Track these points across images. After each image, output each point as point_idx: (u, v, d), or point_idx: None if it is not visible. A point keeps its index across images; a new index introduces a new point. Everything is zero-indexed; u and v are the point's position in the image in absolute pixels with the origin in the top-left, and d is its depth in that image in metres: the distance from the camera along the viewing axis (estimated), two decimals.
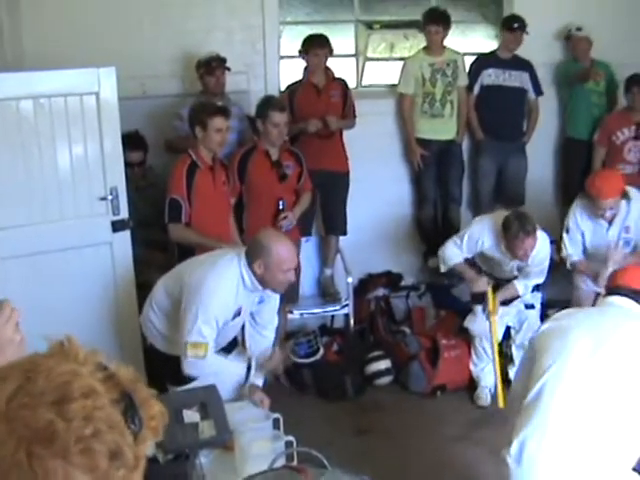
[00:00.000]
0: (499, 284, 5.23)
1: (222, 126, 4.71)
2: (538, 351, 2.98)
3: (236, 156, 5.21)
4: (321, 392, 5.38)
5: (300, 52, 5.71)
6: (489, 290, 5.13)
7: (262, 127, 5.13)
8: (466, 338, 5.40)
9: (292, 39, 6.11)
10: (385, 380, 5.51)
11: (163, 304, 3.98)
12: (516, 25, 6.11)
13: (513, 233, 4.77)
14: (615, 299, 3.10)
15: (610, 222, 5.15)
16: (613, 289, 3.17)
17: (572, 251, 5.29)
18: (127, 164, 4.79)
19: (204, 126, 4.65)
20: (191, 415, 3.19)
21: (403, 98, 6.14)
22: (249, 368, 3.87)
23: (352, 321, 5.74)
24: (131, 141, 5.14)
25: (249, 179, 5.18)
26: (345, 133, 5.84)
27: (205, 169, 4.73)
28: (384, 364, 5.52)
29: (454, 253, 5.16)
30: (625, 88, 6.14)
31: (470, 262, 5.27)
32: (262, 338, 4.15)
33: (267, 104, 5.17)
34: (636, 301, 3.06)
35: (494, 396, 5.15)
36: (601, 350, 2.81)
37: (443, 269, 5.30)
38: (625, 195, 5.07)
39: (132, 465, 1.00)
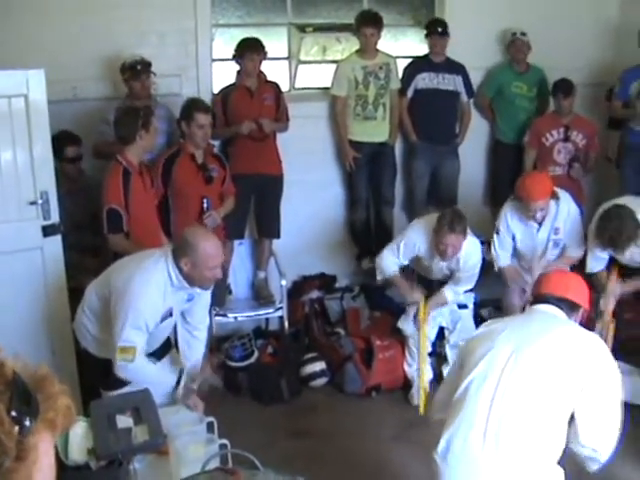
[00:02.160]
0: (431, 289, 5.29)
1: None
2: (467, 354, 3.05)
3: (160, 159, 5.19)
4: (257, 395, 5.38)
5: (234, 56, 5.70)
6: (422, 301, 5.20)
7: (187, 129, 5.13)
8: (400, 338, 5.44)
9: (225, 42, 6.11)
10: (320, 382, 5.54)
11: (95, 308, 3.94)
12: (440, 29, 6.20)
13: (441, 225, 4.83)
14: (541, 307, 3.14)
15: (540, 223, 5.25)
16: (538, 297, 3.21)
17: (501, 253, 5.37)
18: (64, 159, 4.72)
19: (147, 129, 4.63)
20: (124, 420, 3.15)
21: (336, 100, 6.17)
22: (179, 380, 3.87)
23: (286, 323, 5.76)
24: (66, 136, 5.12)
25: (175, 182, 5.16)
26: (279, 136, 5.85)
27: (136, 174, 4.69)
28: (319, 366, 5.55)
29: (391, 262, 5.20)
30: (552, 92, 6.26)
31: (405, 267, 5.33)
32: (194, 339, 4.13)
33: (191, 106, 5.16)
34: (560, 308, 3.10)
35: None
36: (524, 353, 2.86)
37: (379, 278, 5.34)
38: (554, 196, 5.18)
39: (15, 455, 1.00)
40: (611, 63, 6.82)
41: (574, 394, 2.79)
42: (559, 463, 2.88)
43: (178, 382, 3.86)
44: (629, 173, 6.26)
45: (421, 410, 4.95)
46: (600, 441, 2.81)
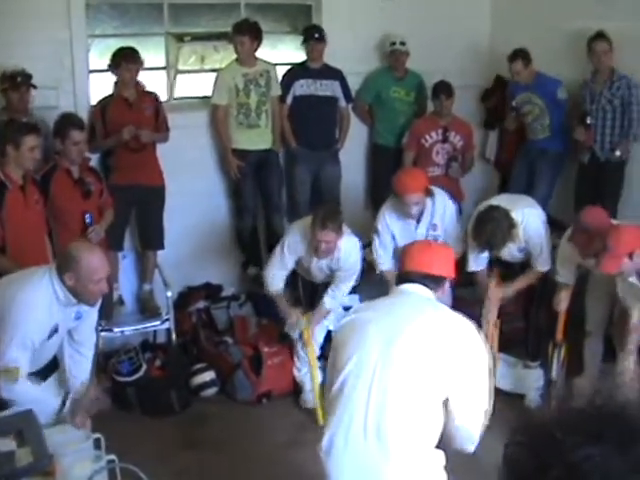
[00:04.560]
0: (317, 295, 5.34)
1: (35, 144, 4.62)
2: (338, 347, 3.04)
3: (36, 176, 5.08)
4: (147, 409, 5.31)
5: (110, 66, 5.63)
6: (303, 325, 5.25)
7: (61, 146, 5.04)
8: (288, 344, 5.48)
9: (102, 53, 6.00)
10: (211, 391, 5.52)
11: None
12: (316, 35, 6.28)
13: (314, 222, 4.85)
14: (408, 287, 3.09)
15: (418, 221, 5.38)
16: (402, 276, 3.17)
17: (382, 253, 5.45)
18: None
19: (17, 145, 4.52)
20: (6, 444, 3.08)
21: (217, 109, 6.17)
22: (65, 400, 3.80)
23: (174, 335, 5.70)
24: None
25: (54, 199, 5.05)
26: (159, 147, 5.80)
27: (15, 189, 4.58)
28: (209, 375, 5.52)
29: (277, 275, 5.22)
30: (432, 94, 6.42)
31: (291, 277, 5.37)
32: (81, 357, 4.05)
33: (65, 122, 5.08)
34: (426, 286, 3.08)
35: None
36: (396, 342, 2.86)
37: (265, 292, 5.37)
38: (429, 192, 5.30)
39: None
40: (485, 66, 7.07)
41: (447, 378, 2.83)
42: (438, 446, 2.94)
43: (64, 402, 3.80)
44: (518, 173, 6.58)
45: (320, 421, 4.86)
46: (474, 421, 2.90)
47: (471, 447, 2.96)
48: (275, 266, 5.21)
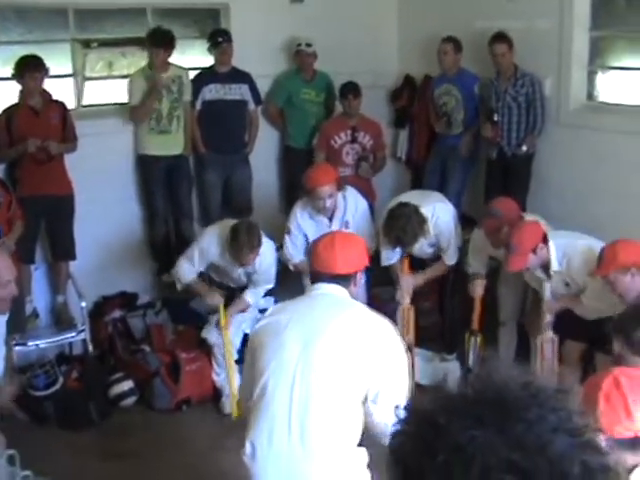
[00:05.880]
0: (233, 295, 5.36)
1: None
2: (256, 350, 3.04)
3: None
4: (64, 422, 5.22)
5: (14, 75, 5.52)
6: (221, 306, 5.25)
7: None
8: (206, 349, 5.45)
9: (7, 60, 5.87)
10: (130, 401, 5.46)
11: None
12: (220, 39, 6.26)
13: (239, 245, 4.90)
14: (323, 286, 3.10)
15: (330, 219, 5.43)
16: (313, 275, 3.17)
17: (294, 253, 5.50)
18: None
19: None
20: None
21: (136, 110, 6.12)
22: None
23: (90, 346, 5.61)
24: None
25: None
26: (67, 155, 5.71)
27: None
28: (127, 385, 5.46)
29: (188, 270, 5.25)
30: (340, 95, 6.48)
31: (204, 275, 5.36)
32: None
33: None
34: (337, 283, 3.07)
35: None
36: (314, 345, 2.89)
37: (179, 287, 5.37)
38: (340, 186, 5.37)
39: None
40: (393, 66, 7.17)
41: (367, 376, 2.86)
42: (360, 444, 2.97)
43: None
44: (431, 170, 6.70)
45: (234, 414, 4.96)
46: (392, 416, 2.93)
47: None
48: (184, 266, 5.25)
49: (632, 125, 5.59)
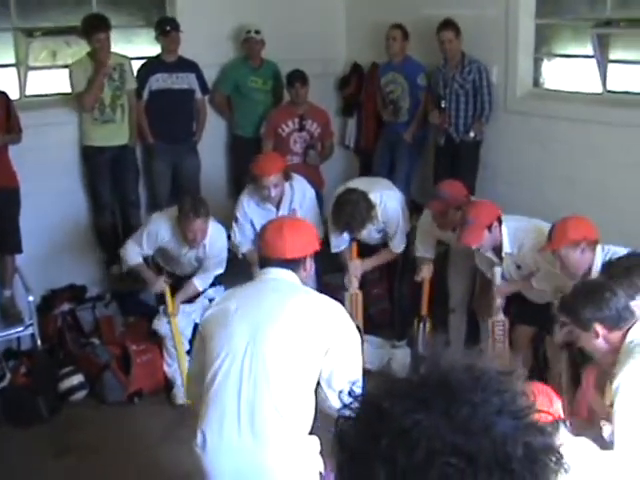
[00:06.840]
0: (181, 283, 5.32)
1: None
2: (205, 338, 3.02)
3: None
4: (13, 419, 5.13)
5: None
6: (167, 291, 5.22)
7: None
8: (157, 341, 5.42)
9: None
10: (80, 395, 5.40)
11: None
12: (168, 28, 6.20)
13: (185, 213, 4.91)
14: (271, 272, 3.07)
15: (277, 207, 5.42)
16: (263, 261, 3.14)
17: (242, 241, 5.50)
18: None
19: None
20: None
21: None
22: None
23: (39, 340, 5.52)
24: None
25: None
26: (12, 147, 5.60)
27: None
28: (77, 379, 5.40)
29: (134, 251, 5.24)
30: (287, 83, 6.46)
31: (153, 262, 5.33)
32: None
33: None
34: (290, 269, 3.06)
35: None
36: (264, 332, 2.88)
37: (124, 269, 5.38)
38: (287, 176, 5.37)
39: None
40: (341, 54, 7.17)
41: (319, 362, 2.86)
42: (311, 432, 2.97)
43: None
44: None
45: (188, 402, 4.93)
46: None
47: None
48: (132, 248, 5.25)
49: (577, 111, 5.67)
